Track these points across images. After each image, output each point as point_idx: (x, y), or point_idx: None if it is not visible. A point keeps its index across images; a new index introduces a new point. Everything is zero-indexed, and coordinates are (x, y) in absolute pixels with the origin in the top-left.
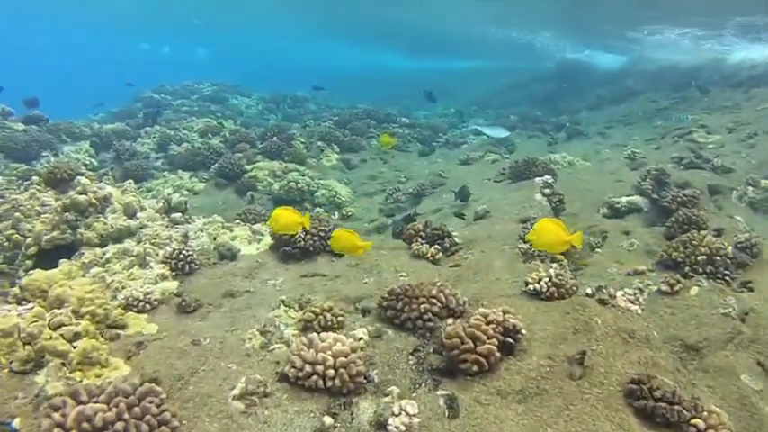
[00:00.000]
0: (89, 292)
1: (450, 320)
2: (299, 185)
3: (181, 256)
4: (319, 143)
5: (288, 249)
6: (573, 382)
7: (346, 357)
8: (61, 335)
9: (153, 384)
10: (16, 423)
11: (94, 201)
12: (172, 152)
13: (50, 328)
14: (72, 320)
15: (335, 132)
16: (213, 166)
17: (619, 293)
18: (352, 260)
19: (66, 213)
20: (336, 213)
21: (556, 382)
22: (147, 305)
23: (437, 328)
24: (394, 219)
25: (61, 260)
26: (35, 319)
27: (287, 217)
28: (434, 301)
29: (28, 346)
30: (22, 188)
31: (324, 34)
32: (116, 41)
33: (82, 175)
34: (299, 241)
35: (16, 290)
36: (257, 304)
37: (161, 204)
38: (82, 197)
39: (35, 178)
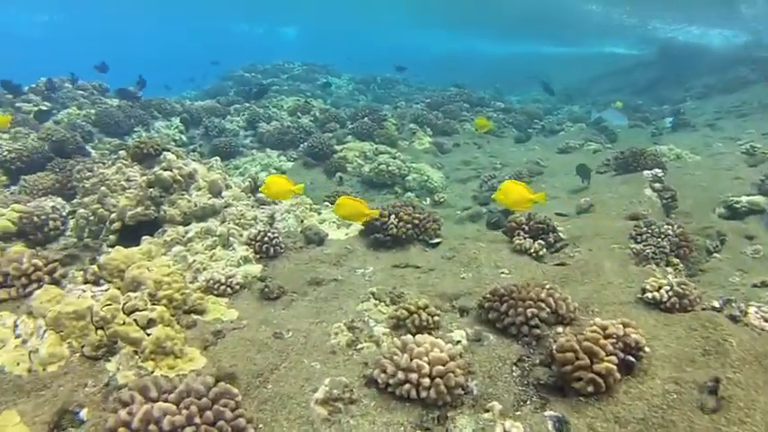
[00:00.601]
0: (167, 275)
1: (559, 329)
2: (389, 168)
3: (266, 238)
4: (411, 125)
5: (379, 237)
6: (705, 415)
7: (444, 366)
8: (135, 320)
9: (228, 385)
10: (84, 414)
11: (179, 177)
12: (261, 130)
13: (124, 313)
14: (147, 305)
15: (428, 115)
16: (302, 145)
17: (751, 309)
18: (448, 252)
19: (151, 189)
20: (428, 199)
21: (684, 413)
22: (229, 289)
23: (545, 336)
24: (489, 208)
25: (144, 237)
26: (109, 302)
27: (280, 184)
28: (542, 305)
29: (100, 331)
30: (109, 162)
31: (414, 17)
32: (215, 22)
33: (168, 150)
34: (391, 228)
35: (94, 268)
36: (345, 295)
37: (247, 183)
38: (167, 173)
39: (122, 153)
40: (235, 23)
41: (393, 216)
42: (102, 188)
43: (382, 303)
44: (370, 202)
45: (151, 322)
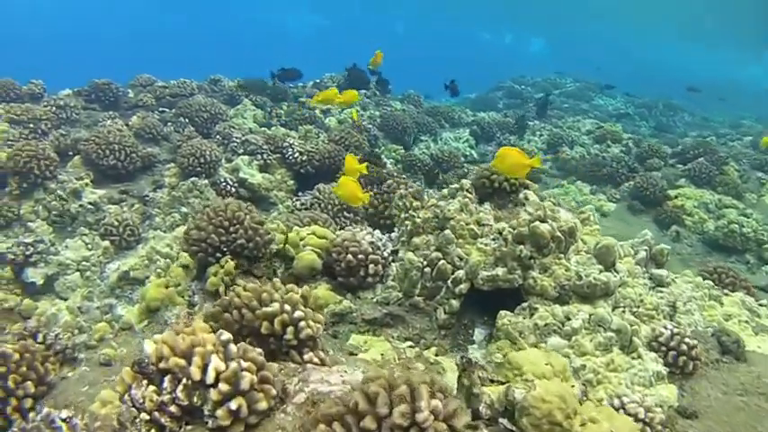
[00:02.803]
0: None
1: None
2: (742, 230)
3: (682, 345)
4: (760, 174)
5: None
6: None
7: None
8: None
9: None
10: None
11: (558, 234)
12: (563, 156)
13: None
14: None
15: None
16: (626, 184)
17: None
18: None
19: (521, 246)
20: None
21: None
22: (648, 429)
23: None
24: None
25: (502, 312)
26: None
27: (352, 188)
28: None
29: None
30: (447, 194)
31: (683, 31)
32: (457, 31)
33: (527, 187)
34: None
35: (490, 399)
36: None
37: (643, 252)
38: (544, 226)
39: (465, 182)
40: (479, 32)
41: None
42: (447, 231)
43: None
44: None
45: None
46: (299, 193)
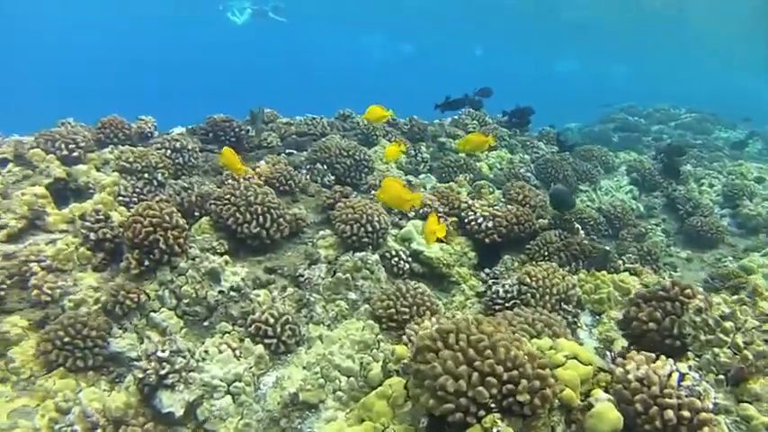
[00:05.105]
0: None
1: None
2: None
3: None
4: None
5: None
6: None
7: None
8: None
9: None
10: None
11: None
12: (745, 210)
13: None
14: None
15: None
16: None
17: None
18: None
19: None
20: None
21: None
22: None
23: None
24: None
25: None
26: None
27: (395, 189)
28: None
29: None
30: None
31: None
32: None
33: None
34: None
35: None
36: None
37: None
38: None
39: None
40: (555, 59)
41: None
42: None
43: None
44: None
45: None
46: (486, 271)
